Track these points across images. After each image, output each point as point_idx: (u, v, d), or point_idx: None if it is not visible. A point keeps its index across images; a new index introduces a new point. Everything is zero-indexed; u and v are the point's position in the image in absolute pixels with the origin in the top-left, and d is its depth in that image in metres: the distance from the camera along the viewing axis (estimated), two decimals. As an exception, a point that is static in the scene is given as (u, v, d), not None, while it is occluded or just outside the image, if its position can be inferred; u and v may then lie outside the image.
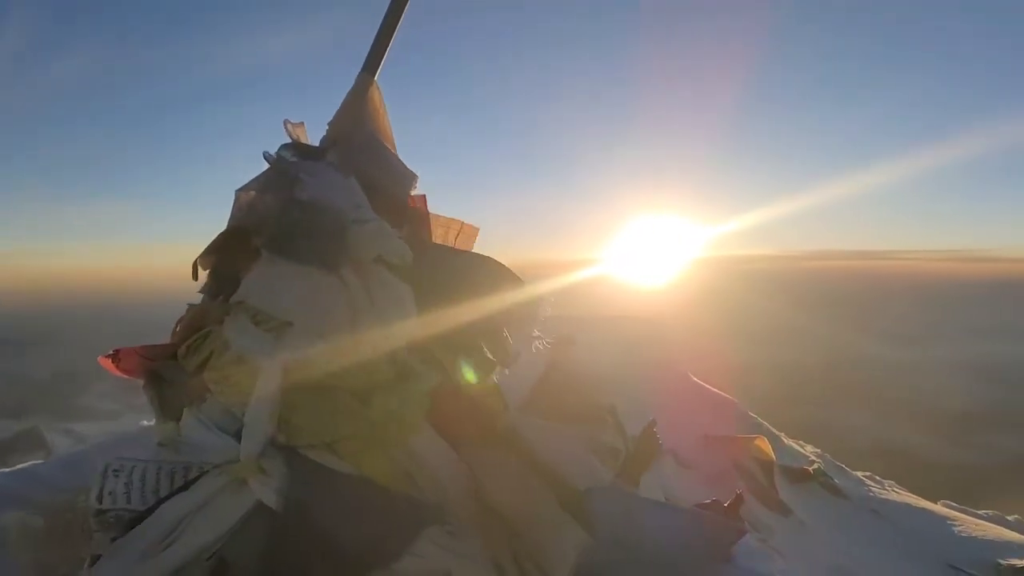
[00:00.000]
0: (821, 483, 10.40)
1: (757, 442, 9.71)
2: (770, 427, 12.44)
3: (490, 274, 4.27)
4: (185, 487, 3.61)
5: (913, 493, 14.20)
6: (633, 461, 4.58)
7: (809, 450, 12.62)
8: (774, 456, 9.75)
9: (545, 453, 4.64)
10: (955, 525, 10.82)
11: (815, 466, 10.96)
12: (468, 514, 4.38)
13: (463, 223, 4.59)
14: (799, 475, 10.29)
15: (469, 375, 4.46)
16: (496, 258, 4.51)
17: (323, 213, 3.89)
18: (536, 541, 4.23)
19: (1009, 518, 13.58)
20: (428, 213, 4.47)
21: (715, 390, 12.98)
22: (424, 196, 4.48)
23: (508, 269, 4.38)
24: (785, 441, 12.17)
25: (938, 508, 12.38)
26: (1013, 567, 8.95)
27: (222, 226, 4.03)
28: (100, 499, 3.53)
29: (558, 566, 4.05)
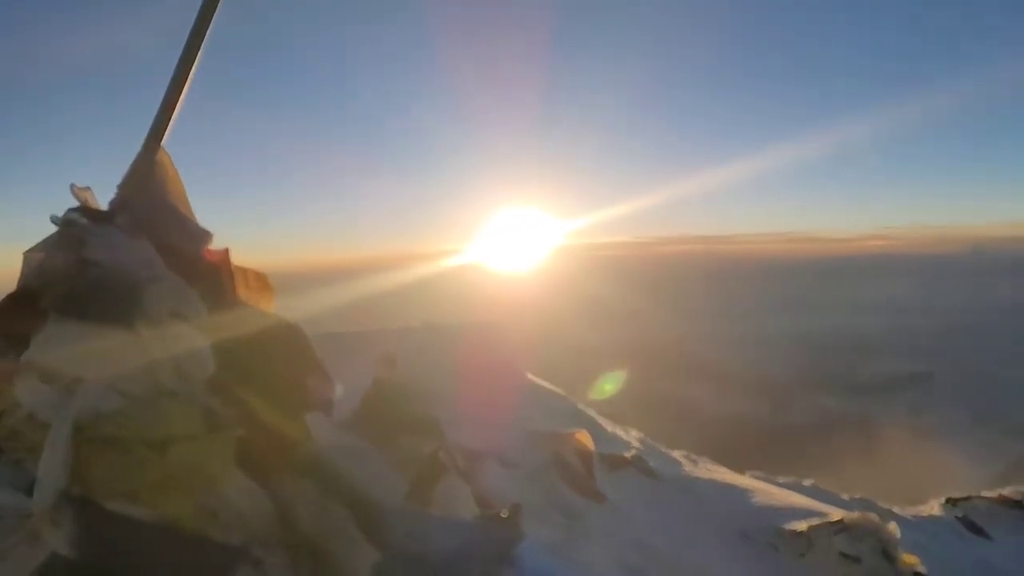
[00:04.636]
0: (637, 467, 11.44)
1: (578, 435, 10.57)
2: (596, 416, 13.46)
3: (282, 333, 4.62)
4: (-22, 545, 3.73)
5: (732, 464, 15.78)
6: (420, 482, 5.07)
7: (633, 435, 13.75)
8: (593, 447, 10.66)
9: (346, 477, 5.07)
10: (753, 496, 12.20)
11: (633, 452, 12.03)
12: (274, 542, 4.74)
13: (248, 270, 4.88)
14: (617, 462, 11.28)
15: (272, 413, 4.81)
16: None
17: (113, 273, 4.09)
18: (336, 561, 4.66)
19: (805, 483, 15.39)
20: (230, 265, 4.73)
21: (548, 386, 13.85)
22: (227, 250, 4.74)
23: (299, 330, 4.74)
24: (609, 430, 13.21)
25: (743, 480, 13.88)
26: (793, 531, 10.31)
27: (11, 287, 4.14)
28: None
29: (355, 583, 4.50)
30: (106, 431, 3.97)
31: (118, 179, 4.33)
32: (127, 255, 4.17)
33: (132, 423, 4.05)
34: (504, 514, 4.96)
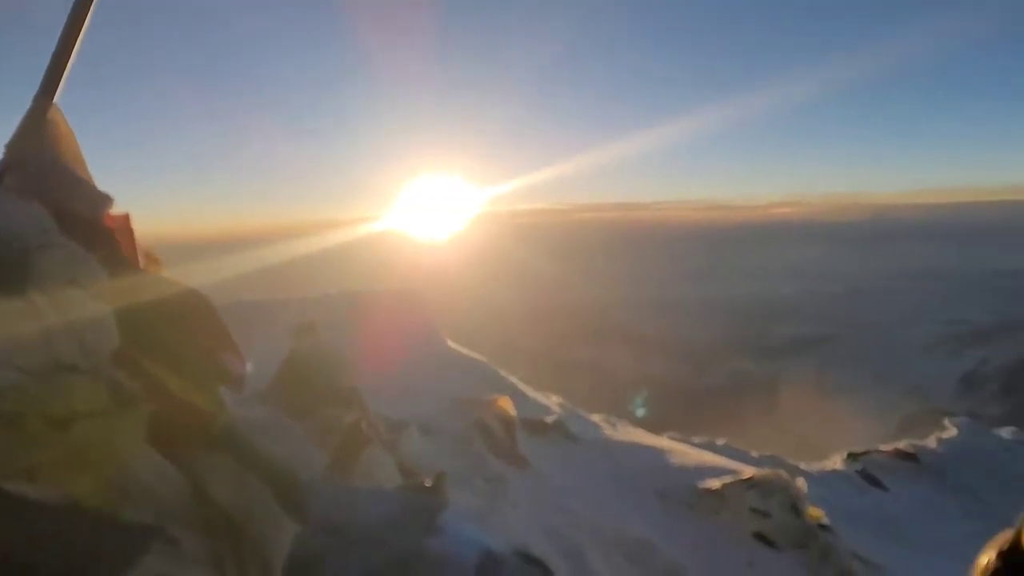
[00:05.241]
0: (558, 432, 11.63)
1: (500, 402, 10.64)
2: (518, 383, 13.58)
3: (188, 302, 4.42)
4: None
5: (650, 426, 16.25)
6: (342, 453, 4.99)
7: (554, 400, 13.95)
8: (515, 412, 10.76)
9: (264, 449, 4.93)
10: (670, 456, 12.59)
11: (554, 417, 12.22)
12: (189, 520, 4.58)
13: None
14: (538, 427, 11.43)
15: (185, 389, 4.61)
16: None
17: (2, 239, 3.81)
18: (256, 535, 4.54)
19: (719, 443, 15.98)
20: (132, 232, 4.48)
21: (470, 353, 13.86)
22: (127, 215, 4.47)
23: (206, 299, 4.54)
24: (531, 395, 13.37)
25: (660, 441, 14.30)
26: (708, 490, 10.72)
27: None
28: None
29: (275, 557, 4.40)
30: (1, 408, 3.72)
31: (5, 138, 4.01)
32: (17, 220, 3.88)
33: (30, 399, 3.80)
34: (428, 483, 4.93)
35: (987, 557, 1.23)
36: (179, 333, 4.53)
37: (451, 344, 13.53)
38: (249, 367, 5.45)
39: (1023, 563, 1.14)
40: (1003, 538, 1.23)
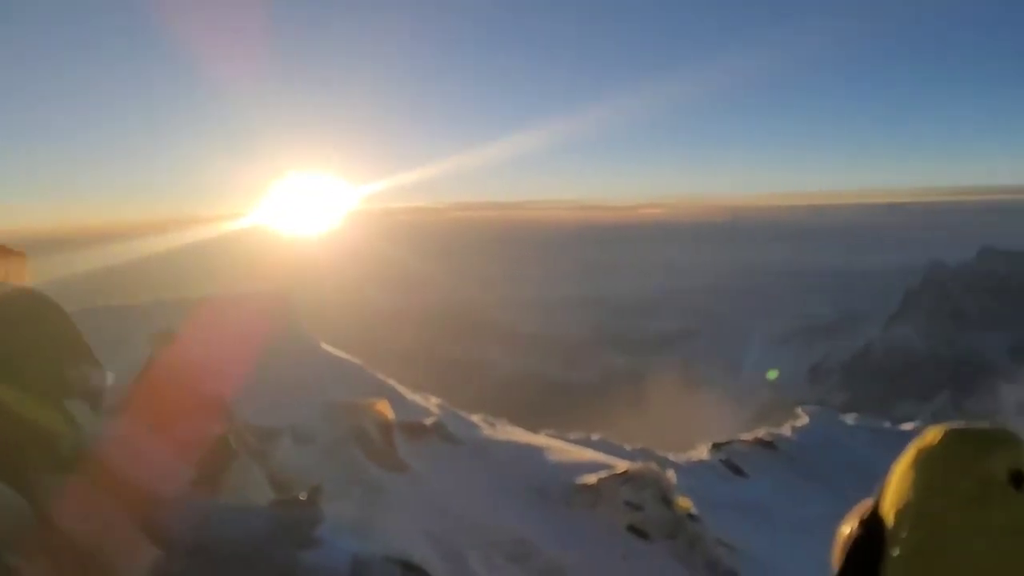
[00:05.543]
0: (438, 434, 11.50)
1: (377, 405, 10.38)
2: (395, 385, 13.33)
3: (30, 306, 4.00)
4: None
5: (528, 423, 16.39)
6: (207, 468, 4.69)
7: (433, 402, 13.79)
8: (393, 416, 10.54)
9: (120, 468, 4.55)
10: (548, 454, 12.75)
11: (433, 419, 12.08)
12: (32, 547, 4.16)
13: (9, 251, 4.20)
14: (417, 430, 11.24)
15: (27, 404, 4.18)
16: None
17: None
18: (107, 563, 4.18)
19: (594, 438, 16.37)
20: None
21: (343, 356, 13.45)
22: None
23: (53, 304, 4.14)
24: (409, 397, 13.14)
25: (538, 439, 14.46)
26: (584, 485, 10.93)
27: None
28: None
29: (131, 585, 4.06)
30: None
31: None
32: None
33: None
34: (303, 496, 4.71)
35: (850, 526, 1.34)
36: (18, 342, 4.10)
37: (324, 346, 13.09)
38: (110, 378, 5.03)
39: (881, 529, 1.25)
40: (863, 507, 1.33)
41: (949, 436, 1.31)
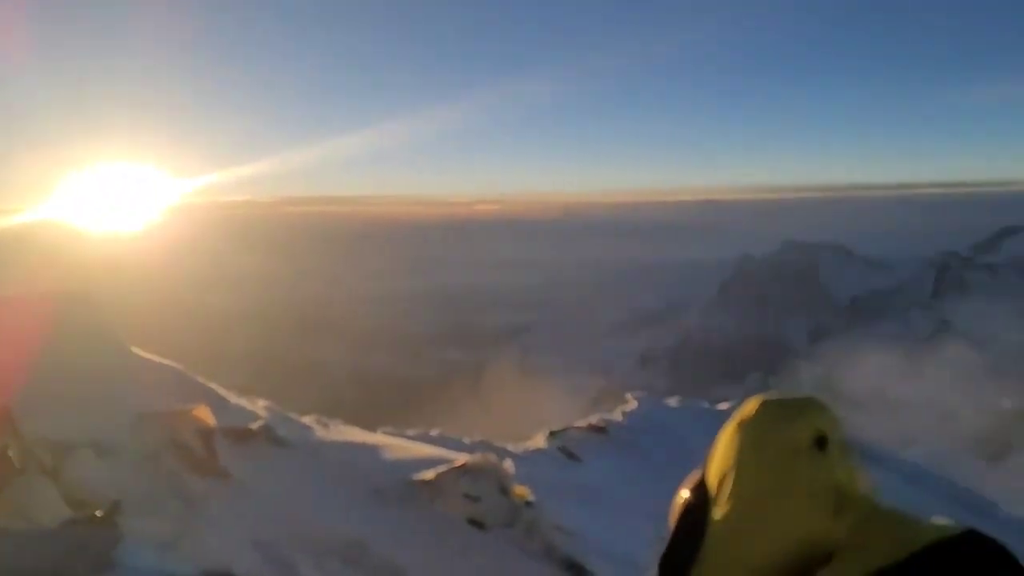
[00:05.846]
0: (265, 438, 10.87)
1: (195, 412, 9.60)
2: (217, 389, 12.46)
3: None
4: None
5: (365, 422, 15.93)
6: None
7: (260, 405, 13.03)
8: (214, 422, 9.81)
9: None
10: (385, 452, 12.44)
11: (260, 422, 11.40)
12: None
13: None
14: (242, 435, 10.55)
15: None
16: None
17: None
18: None
19: (432, 433, 16.22)
20: None
21: (158, 359, 12.34)
22: None
23: None
24: (233, 401, 12.34)
25: (375, 437, 14.08)
26: (423, 481, 10.76)
27: None
28: None
29: None
30: None
31: None
32: None
33: None
34: (99, 514, 4.19)
35: (683, 494, 1.43)
36: None
37: (136, 350, 12.00)
38: None
39: (707, 494, 1.36)
40: (694, 476, 1.44)
41: (763, 406, 1.41)
